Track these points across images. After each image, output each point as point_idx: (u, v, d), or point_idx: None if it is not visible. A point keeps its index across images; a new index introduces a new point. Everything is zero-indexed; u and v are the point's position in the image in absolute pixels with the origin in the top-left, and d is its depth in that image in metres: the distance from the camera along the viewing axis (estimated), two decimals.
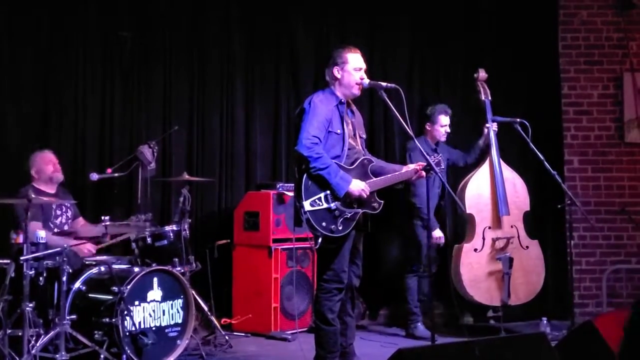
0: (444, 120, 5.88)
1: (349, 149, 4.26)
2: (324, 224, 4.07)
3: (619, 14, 6.57)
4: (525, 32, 6.60)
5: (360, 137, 4.45)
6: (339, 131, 4.23)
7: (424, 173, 4.26)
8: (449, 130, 5.90)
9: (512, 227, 5.72)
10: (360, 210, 4.19)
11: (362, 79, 4.30)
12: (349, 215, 4.13)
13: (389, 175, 4.31)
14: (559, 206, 5.64)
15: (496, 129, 5.80)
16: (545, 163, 5.16)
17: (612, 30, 6.61)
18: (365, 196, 4.16)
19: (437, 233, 5.71)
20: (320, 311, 4.23)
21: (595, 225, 6.26)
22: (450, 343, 4.06)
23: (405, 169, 4.36)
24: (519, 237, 5.73)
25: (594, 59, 6.62)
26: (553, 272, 6.41)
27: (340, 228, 4.10)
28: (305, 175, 4.10)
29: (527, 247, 5.76)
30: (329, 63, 4.36)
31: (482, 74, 5.92)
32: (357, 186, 4.14)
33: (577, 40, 6.63)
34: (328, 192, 4.10)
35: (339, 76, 4.31)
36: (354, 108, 4.48)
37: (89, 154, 5.94)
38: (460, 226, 6.16)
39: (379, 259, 6.40)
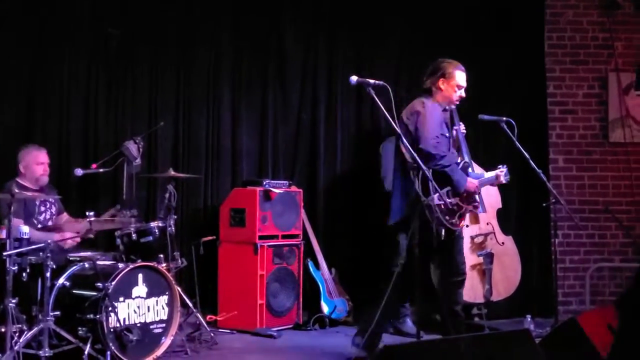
0: None
1: (452, 153, 4.65)
2: (447, 217, 4.39)
3: (604, 14, 6.62)
4: (512, 31, 6.62)
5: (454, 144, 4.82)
6: (447, 134, 4.61)
7: (502, 179, 4.69)
8: None
9: (487, 224, 5.88)
10: (470, 207, 4.57)
11: (460, 97, 4.68)
12: (462, 211, 4.51)
13: (485, 178, 4.77)
14: (544, 204, 5.67)
15: (464, 131, 5.86)
16: (531, 161, 5.17)
17: (597, 30, 6.65)
18: (477, 193, 4.57)
19: None
20: (456, 302, 4.65)
21: (579, 224, 6.30)
22: (436, 339, 4.07)
23: (491, 173, 4.78)
24: (495, 233, 5.88)
25: (579, 58, 6.66)
26: (538, 270, 6.45)
27: (457, 222, 4.48)
28: (430, 172, 4.35)
29: (503, 243, 5.93)
30: (436, 72, 4.68)
31: None
32: (472, 183, 4.56)
33: (563, 39, 6.67)
34: (449, 188, 4.43)
35: (442, 87, 4.64)
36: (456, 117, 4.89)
37: (73, 149, 5.89)
38: None
39: (365, 255, 6.40)
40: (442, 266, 4.69)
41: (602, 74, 6.62)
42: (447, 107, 4.70)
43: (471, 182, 4.56)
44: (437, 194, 4.28)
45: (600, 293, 6.53)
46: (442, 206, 4.34)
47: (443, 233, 4.37)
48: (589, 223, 6.56)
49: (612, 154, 6.60)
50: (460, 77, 4.68)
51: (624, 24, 6.62)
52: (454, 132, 5.83)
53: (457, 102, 4.75)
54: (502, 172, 4.77)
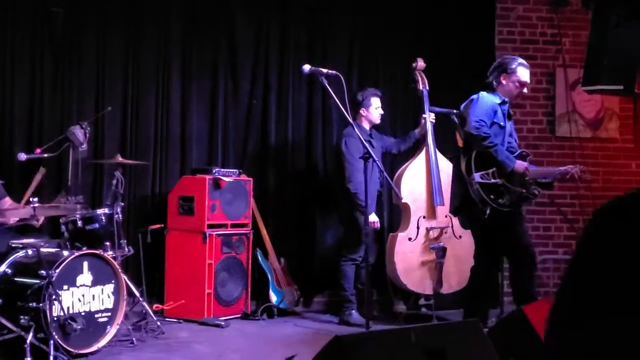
0: (376, 102, 5.89)
1: (508, 143, 4.73)
2: (492, 196, 4.53)
3: (553, 10, 6.72)
4: (465, 24, 6.68)
5: (515, 140, 4.92)
6: (502, 124, 4.69)
7: (574, 174, 4.68)
8: (382, 112, 5.93)
9: (446, 217, 5.79)
10: (524, 191, 4.63)
11: (521, 93, 4.82)
12: (513, 192, 4.58)
13: (546, 168, 4.91)
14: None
15: (433, 120, 5.86)
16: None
17: (546, 26, 6.75)
18: (529, 174, 4.60)
19: (372, 217, 5.70)
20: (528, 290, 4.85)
21: (525, 217, 6.40)
22: (387, 329, 4.08)
23: (562, 168, 4.81)
24: (452, 227, 5.81)
25: (528, 53, 6.73)
26: None
27: (506, 203, 4.56)
28: (475, 153, 4.53)
29: (460, 236, 5.84)
30: (499, 67, 4.82)
31: (420, 63, 5.95)
32: (522, 164, 4.64)
33: (513, 34, 6.75)
34: (495, 168, 4.58)
35: (504, 83, 4.78)
36: (512, 112, 4.96)
37: (17, 133, 5.72)
38: (395, 214, 6.21)
39: (314, 245, 6.40)
40: (508, 250, 4.87)
41: (550, 70, 6.73)
42: (505, 100, 4.78)
43: (520, 164, 4.63)
44: (480, 173, 4.44)
45: (545, 285, 6.65)
46: (487, 185, 4.50)
47: (488, 211, 4.54)
48: (534, 216, 6.68)
49: (558, 148, 6.73)
50: (522, 73, 4.76)
51: (572, 20, 6.74)
52: (423, 120, 5.87)
53: (518, 99, 4.88)
54: (573, 167, 4.78)
